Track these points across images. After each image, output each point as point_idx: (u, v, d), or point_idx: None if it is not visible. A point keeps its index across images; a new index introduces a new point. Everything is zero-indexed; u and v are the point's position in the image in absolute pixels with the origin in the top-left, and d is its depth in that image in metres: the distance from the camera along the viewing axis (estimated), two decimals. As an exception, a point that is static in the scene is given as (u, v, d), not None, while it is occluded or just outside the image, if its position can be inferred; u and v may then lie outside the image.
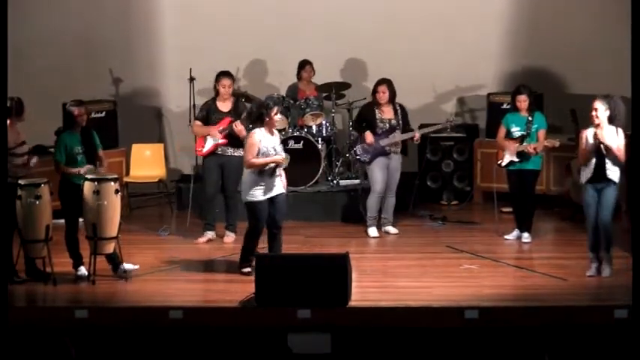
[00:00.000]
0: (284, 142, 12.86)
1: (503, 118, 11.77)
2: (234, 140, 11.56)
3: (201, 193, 12.07)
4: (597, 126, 10.08)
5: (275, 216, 10.34)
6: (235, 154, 11.63)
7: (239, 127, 11.41)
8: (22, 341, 8.76)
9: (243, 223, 11.68)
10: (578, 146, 10.38)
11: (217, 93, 11.74)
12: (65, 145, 10.29)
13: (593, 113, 10.09)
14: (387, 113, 11.99)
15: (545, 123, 11.63)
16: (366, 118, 12.04)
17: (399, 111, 12.03)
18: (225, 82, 11.66)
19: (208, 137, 11.64)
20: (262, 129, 10.28)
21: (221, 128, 11.59)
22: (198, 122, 11.79)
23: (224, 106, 11.70)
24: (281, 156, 10.27)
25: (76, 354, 8.88)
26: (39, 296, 9.91)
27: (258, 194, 10.25)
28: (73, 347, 8.88)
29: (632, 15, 9.55)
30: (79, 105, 10.43)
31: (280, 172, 10.34)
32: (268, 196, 10.27)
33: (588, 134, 10.15)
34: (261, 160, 10.16)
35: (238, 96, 13.18)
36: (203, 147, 11.71)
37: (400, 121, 11.98)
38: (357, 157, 12.13)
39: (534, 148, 11.38)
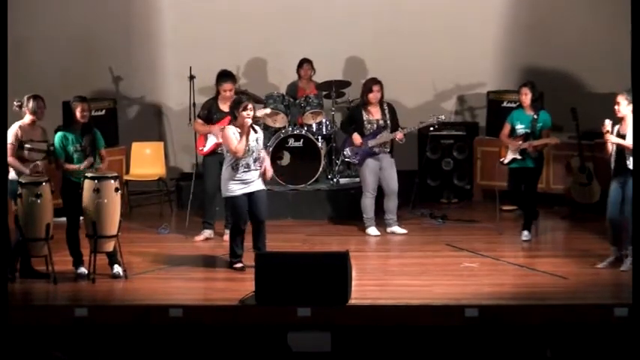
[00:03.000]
0: (284, 140, 12.91)
1: (509, 115, 11.77)
2: None
3: (201, 192, 12.07)
4: (621, 120, 10.15)
5: (254, 211, 10.42)
6: None
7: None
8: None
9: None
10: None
11: (218, 92, 11.74)
12: (63, 143, 10.28)
13: (616, 107, 10.18)
14: (374, 114, 12.00)
15: (550, 122, 11.62)
16: (353, 120, 12.07)
17: (386, 110, 12.03)
18: (227, 86, 11.61)
19: (209, 136, 11.64)
20: (233, 126, 10.38)
21: (222, 127, 11.58)
22: (199, 121, 11.79)
23: (225, 106, 11.68)
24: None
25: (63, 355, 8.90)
26: (39, 295, 9.90)
27: (233, 189, 10.36)
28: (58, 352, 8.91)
29: (632, 13, 9.54)
30: (82, 101, 10.41)
31: (260, 166, 10.38)
32: (245, 191, 10.35)
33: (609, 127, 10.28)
34: (242, 141, 10.26)
35: (237, 94, 13.21)
36: (204, 146, 11.71)
37: (388, 121, 11.98)
38: (347, 159, 12.21)
39: (534, 147, 11.38)
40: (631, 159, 10.04)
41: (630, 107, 10.10)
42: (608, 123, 10.23)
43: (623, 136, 10.17)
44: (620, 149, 10.17)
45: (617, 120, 10.27)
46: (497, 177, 12.10)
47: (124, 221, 10.73)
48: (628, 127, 10.12)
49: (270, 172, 10.61)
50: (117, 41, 14.16)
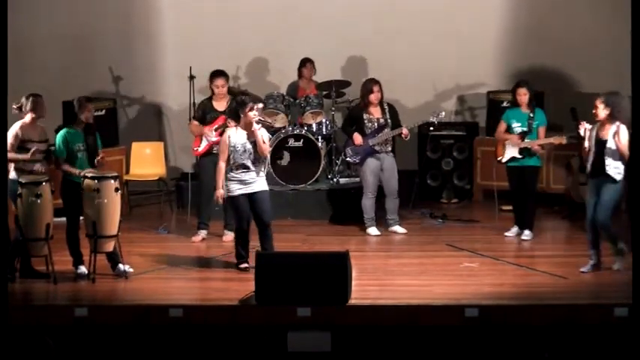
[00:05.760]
0: (284, 140, 12.91)
1: (504, 113, 11.78)
2: None
3: (198, 192, 12.07)
4: (600, 123, 10.12)
5: (258, 213, 10.38)
6: None
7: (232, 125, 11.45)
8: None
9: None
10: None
11: (213, 92, 11.76)
12: (66, 141, 10.29)
13: (594, 111, 10.15)
14: (374, 113, 12.00)
15: (546, 120, 11.64)
16: (354, 120, 12.08)
17: (387, 110, 12.04)
18: (219, 82, 11.67)
19: (204, 136, 11.67)
20: (236, 127, 10.35)
21: (215, 127, 11.60)
22: (195, 122, 11.81)
23: (219, 105, 11.71)
24: None
25: (54, 345, 8.89)
26: (39, 295, 9.90)
27: (233, 189, 10.35)
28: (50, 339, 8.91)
29: (633, 13, 9.54)
30: (89, 101, 10.44)
31: (260, 168, 10.35)
32: (244, 191, 10.32)
33: (588, 130, 10.23)
34: (262, 142, 10.25)
35: (237, 94, 13.23)
36: (199, 146, 11.73)
37: (389, 120, 11.99)
38: (347, 158, 12.20)
39: (540, 145, 11.38)
40: (612, 164, 10.01)
41: (607, 111, 10.06)
42: (585, 128, 10.22)
43: (603, 141, 10.10)
44: (600, 152, 10.12)
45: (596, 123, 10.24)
46: (497, 177, 12.09)
47: (124, 221, 10.73)
48: (609, 132, 10.05)
49: (265, 150, 10.42)
50: (117, 41, 14.16)
